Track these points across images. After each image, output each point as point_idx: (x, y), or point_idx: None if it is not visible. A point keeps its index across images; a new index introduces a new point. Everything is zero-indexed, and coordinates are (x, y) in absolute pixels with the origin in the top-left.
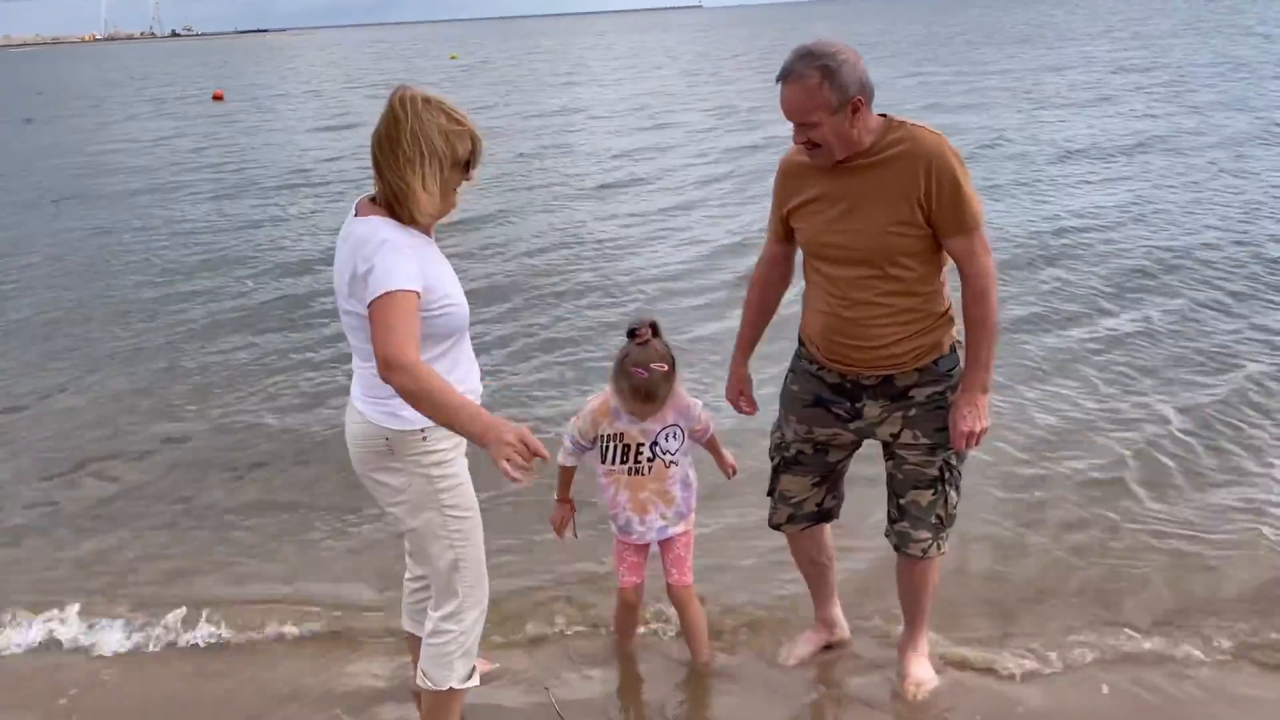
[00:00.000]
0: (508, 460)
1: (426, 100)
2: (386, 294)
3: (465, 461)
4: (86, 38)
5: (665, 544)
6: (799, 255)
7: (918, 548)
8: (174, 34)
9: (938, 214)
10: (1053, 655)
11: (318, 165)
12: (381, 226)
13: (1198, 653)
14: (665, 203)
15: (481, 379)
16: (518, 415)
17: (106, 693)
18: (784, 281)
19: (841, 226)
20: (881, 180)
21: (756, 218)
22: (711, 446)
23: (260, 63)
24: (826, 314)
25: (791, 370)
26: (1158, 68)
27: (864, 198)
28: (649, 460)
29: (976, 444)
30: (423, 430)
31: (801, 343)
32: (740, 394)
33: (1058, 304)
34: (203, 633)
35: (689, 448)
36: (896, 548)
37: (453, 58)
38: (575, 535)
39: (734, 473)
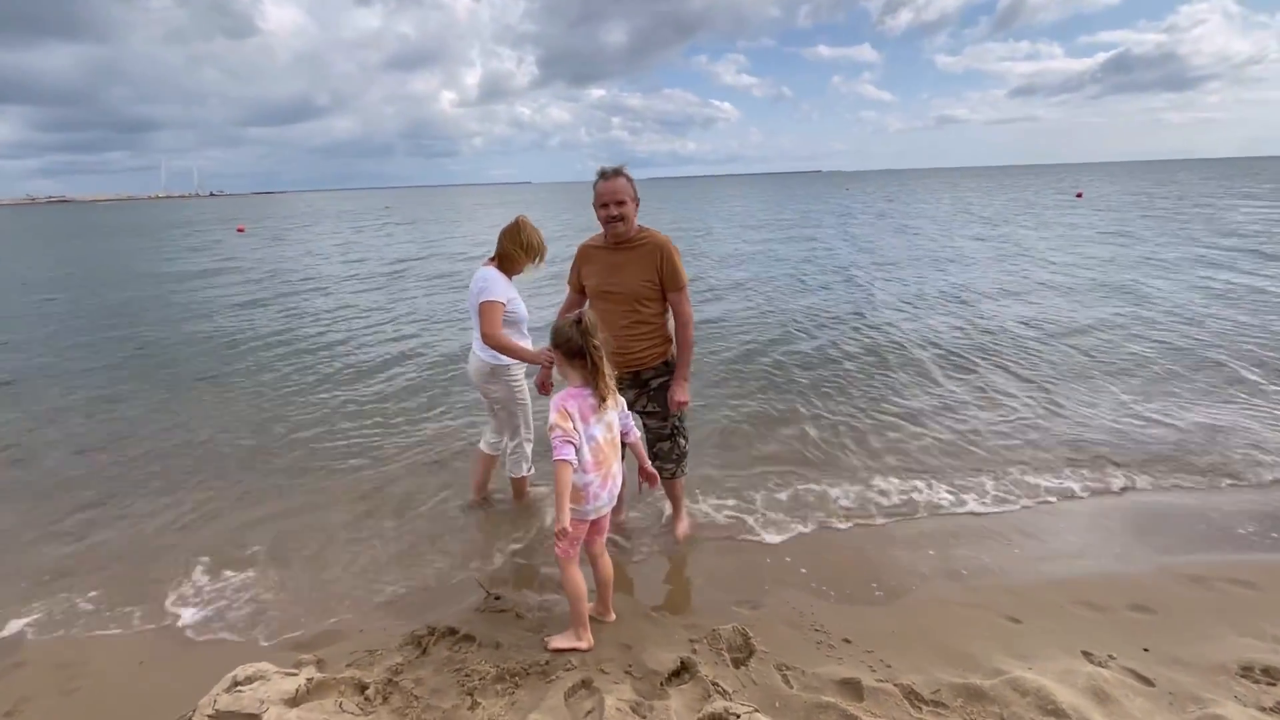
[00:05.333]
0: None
1: (533, 226)
2: (490, 300)
3: (524, 378)
4: (151, 196)
5: None
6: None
7: (668, 473)
8: (211, 194)
9: (664, 277)
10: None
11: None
12: (492, 271)
13: None
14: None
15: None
16: None
17: None
18: None
19: (613, 280)
20: (637, 256)
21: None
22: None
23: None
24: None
25: None
26: None
27: (626, 264)
28: None
29: (680, 409)
30: (509, 365)
31: None
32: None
33: None
34: None
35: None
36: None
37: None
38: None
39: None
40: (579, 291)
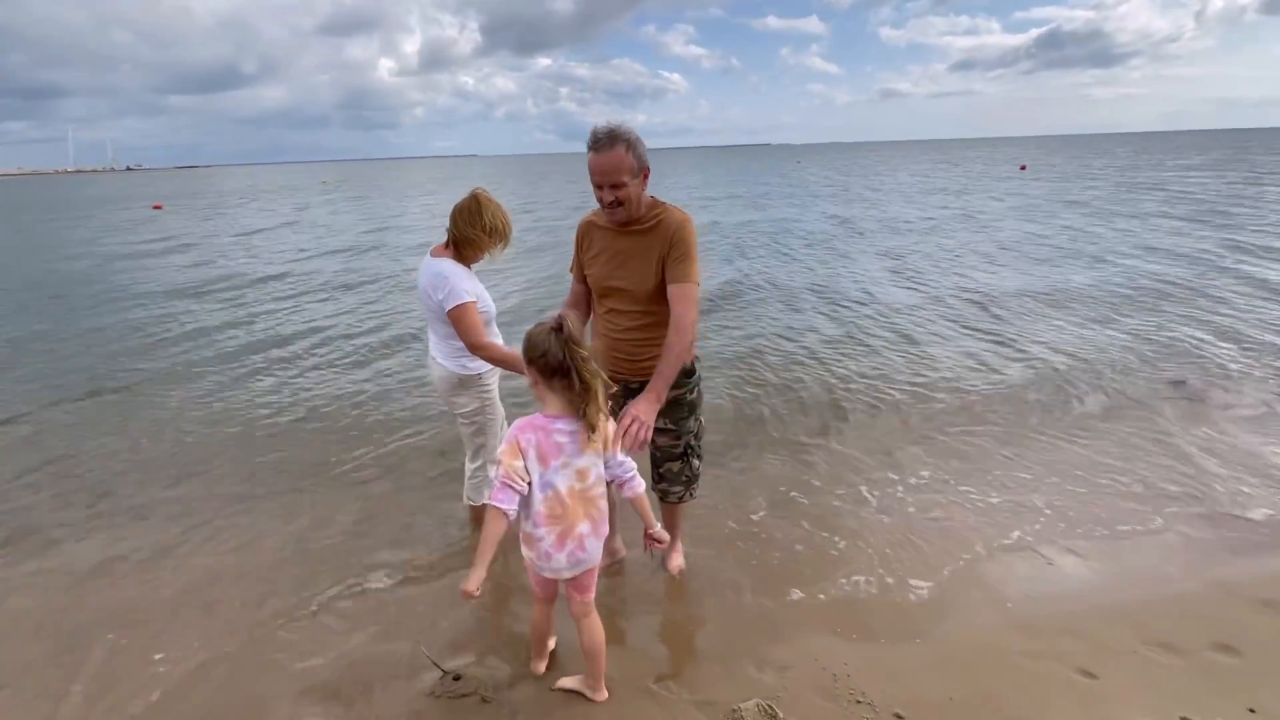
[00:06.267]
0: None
1: (496, 202)
2: (460, 304)
3: (497, 387)
4: (58, 171)
5: None
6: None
7: (674, 497)
8: (128, 169)
9: (668, 263)
10: None
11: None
12: (447, 263)
13: None
14: None
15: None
16: None
17: None
18: (584, 318)
19: (619, 274)
20: (647, 243)
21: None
22: None
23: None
24: (607, 337)
25: None
26: None
27: (635, 254)
28: None
29: (639, 433)
30: (479, 374)
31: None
32: None
33: None
34: None
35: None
36: (661, 498)
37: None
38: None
39: None
40: (584, 281)
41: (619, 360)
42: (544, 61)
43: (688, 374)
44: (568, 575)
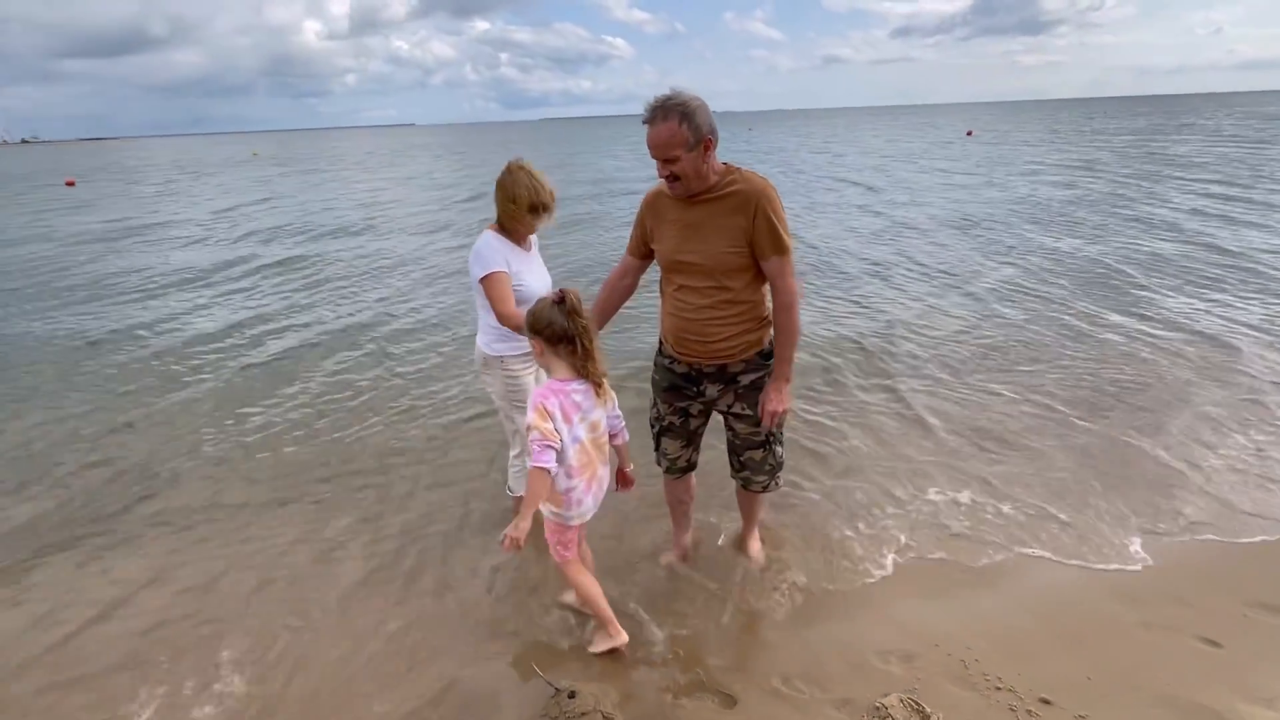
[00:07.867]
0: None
1: (525, 170)
2: (487, 274)
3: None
4: None
5: None
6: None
7: (758, 486)
8: (24, 141)
9: (756, 238)
10: None
11: None
12: (487, 235)
13: None
14: None
15: None
16: None
17: None
18: (629, 291)
19: (690, 247)
20: (721, 211)
21: None
22: None
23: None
24: (676, 317)
25: (654, 364)
26: None
27: (707, 225)
28: None
29: (776, 421)
30: (501, 358)
31: (660, 341)
32: None
33: None
34: None
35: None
36: (743, 485)
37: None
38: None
39: None
40: (643, 257)
41: (690, 342)
42: (482, 25)
43: (766, 356)
44: (589, 517)
